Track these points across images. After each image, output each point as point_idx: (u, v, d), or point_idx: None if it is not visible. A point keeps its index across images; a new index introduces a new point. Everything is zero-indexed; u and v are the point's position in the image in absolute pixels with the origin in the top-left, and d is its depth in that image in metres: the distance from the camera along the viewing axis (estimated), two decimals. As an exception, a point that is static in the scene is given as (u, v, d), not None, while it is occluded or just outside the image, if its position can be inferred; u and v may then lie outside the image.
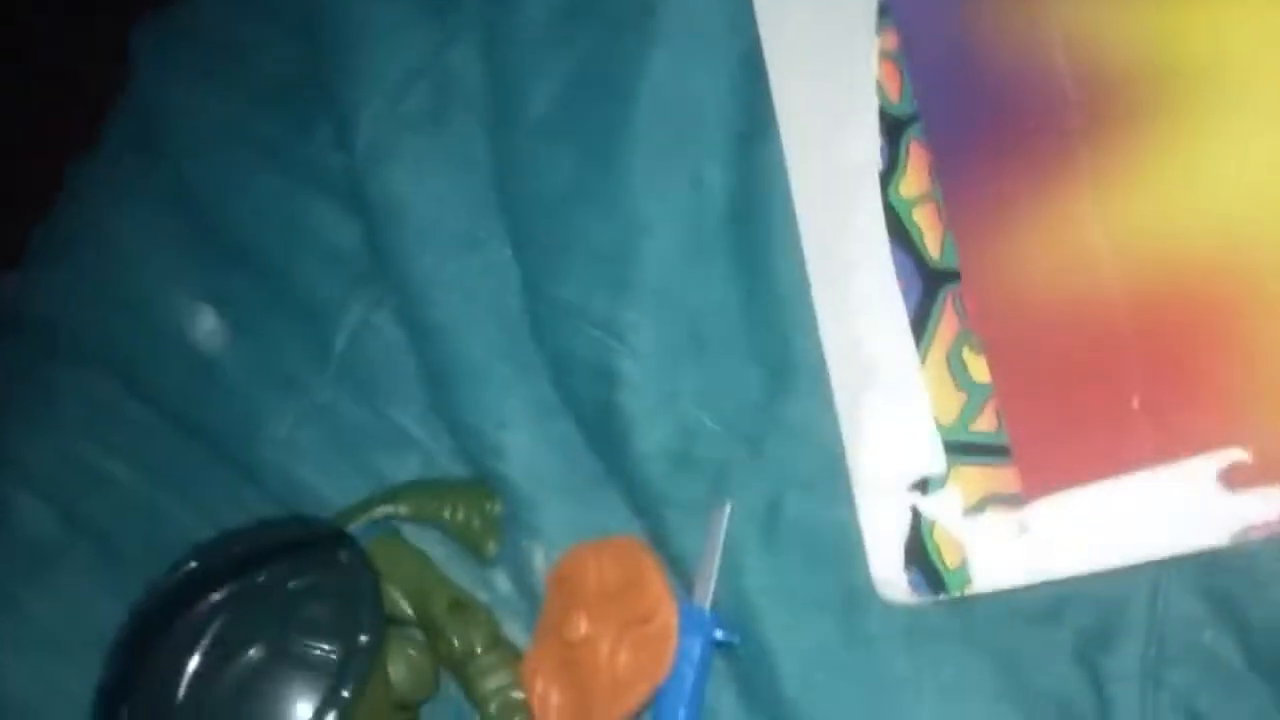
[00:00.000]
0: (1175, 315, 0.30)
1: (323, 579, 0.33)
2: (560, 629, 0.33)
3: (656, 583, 0.32)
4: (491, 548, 0.36)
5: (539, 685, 0.32)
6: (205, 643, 0.32)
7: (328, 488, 0.38)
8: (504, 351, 0.37)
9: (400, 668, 0.33)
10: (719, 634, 0.31)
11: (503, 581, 0.36)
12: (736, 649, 0.32)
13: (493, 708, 0.33)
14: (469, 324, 0.38)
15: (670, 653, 0.31)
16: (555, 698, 0.32)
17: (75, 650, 0.39)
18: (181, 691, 0.31)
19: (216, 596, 0.32)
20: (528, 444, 0.35)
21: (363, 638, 0.31)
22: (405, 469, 0.38)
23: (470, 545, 0.37)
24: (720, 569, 0.31)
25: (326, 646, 0.32)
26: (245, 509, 0.40)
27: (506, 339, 0.37)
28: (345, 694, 0.31)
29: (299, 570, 0.33)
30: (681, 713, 0.31)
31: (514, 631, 0.35)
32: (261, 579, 0.33)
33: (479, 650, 0.34)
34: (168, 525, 0.41)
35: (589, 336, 0.35)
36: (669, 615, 0.31)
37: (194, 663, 0.32)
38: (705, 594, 0.31)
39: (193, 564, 0.33)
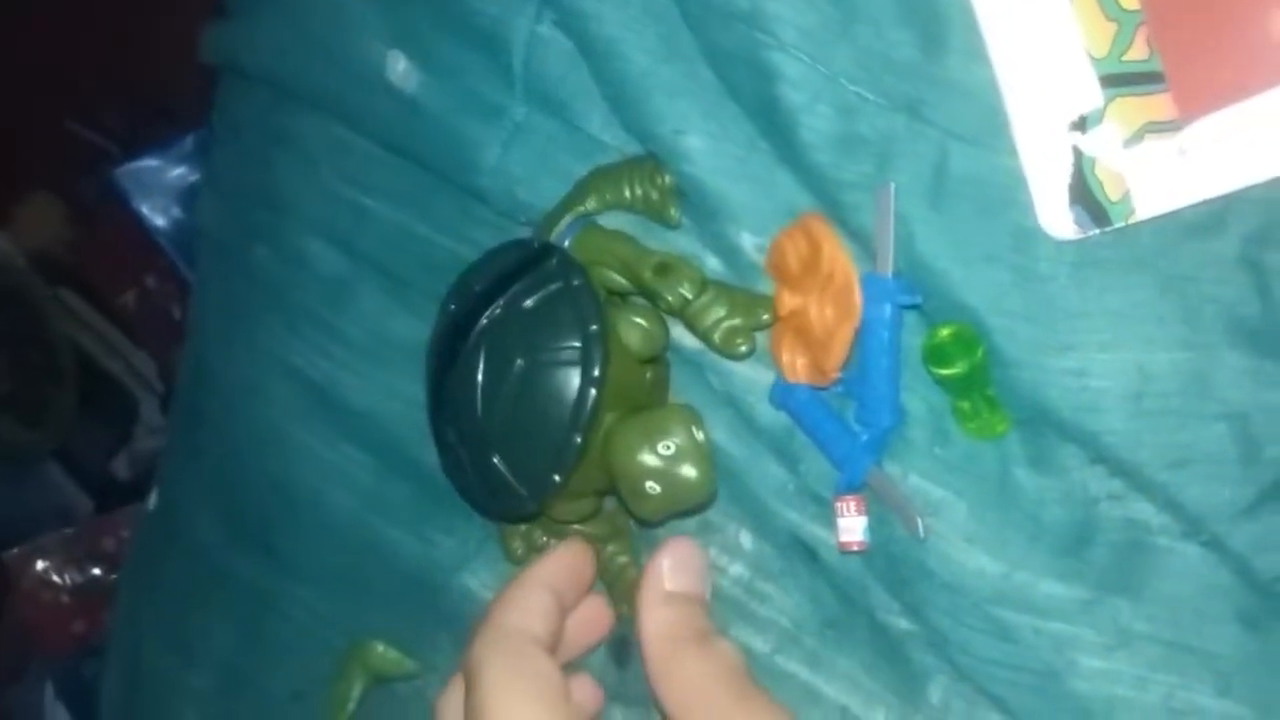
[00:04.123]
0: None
1: (545, 290, 0.39)
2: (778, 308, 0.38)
3: (830, 245, 0.36)
4: (674, 213, 0.40)
5: (785, 356, 0.38)
6: (481, 365, 0.39)
7: (543, 201, 0.43)
8: (667, 53, 0.39)
9: (632, 333, 0.38)
10: (903, 298, 0.35)
11: (714, 264, 0.40)
12: (922, 308, 0.36)
13: (716, 338, 0.39)
14: (628, 28, 0.40)
15: (857, 298, 0.35)
16: (799, 363, 0.38)
17: (387, 358, 0.49)
18: (479, 405, 0.39)
19: (476, 330, 0.39)
20: (707, 144, 0.38)
21: (593, 326, 0.37)
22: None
23: (654, 216, 0.41)
24: (895, 239, 0.35)
25: (568, 343, 0.38)
26: (484, 225, 0.46)
27: (667, 40, 0.39)
28: (596, 372, 0.37)
29: (526, 290, 0.39)
30: (884, 363, 0.36)
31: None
32: (501, 309, 0.39)
33: (690, 297, 0.38)
34: (427, 247, 0.48)
35: (738, 32, 0.37)
36: (846, 269, 0.35)
37: (479, 384, 0.39)
38: (886, 265, 0.35)
39: (451, 307, 0.40)
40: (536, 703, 0.32)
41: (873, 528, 0.37)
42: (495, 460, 0.38)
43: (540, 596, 0.35)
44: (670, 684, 0.33)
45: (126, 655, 0.58)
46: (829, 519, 0.38)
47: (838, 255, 0.36)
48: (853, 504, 0.37)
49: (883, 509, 0.37)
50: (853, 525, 0.37)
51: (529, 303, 0.39)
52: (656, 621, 0.34)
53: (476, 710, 0.32)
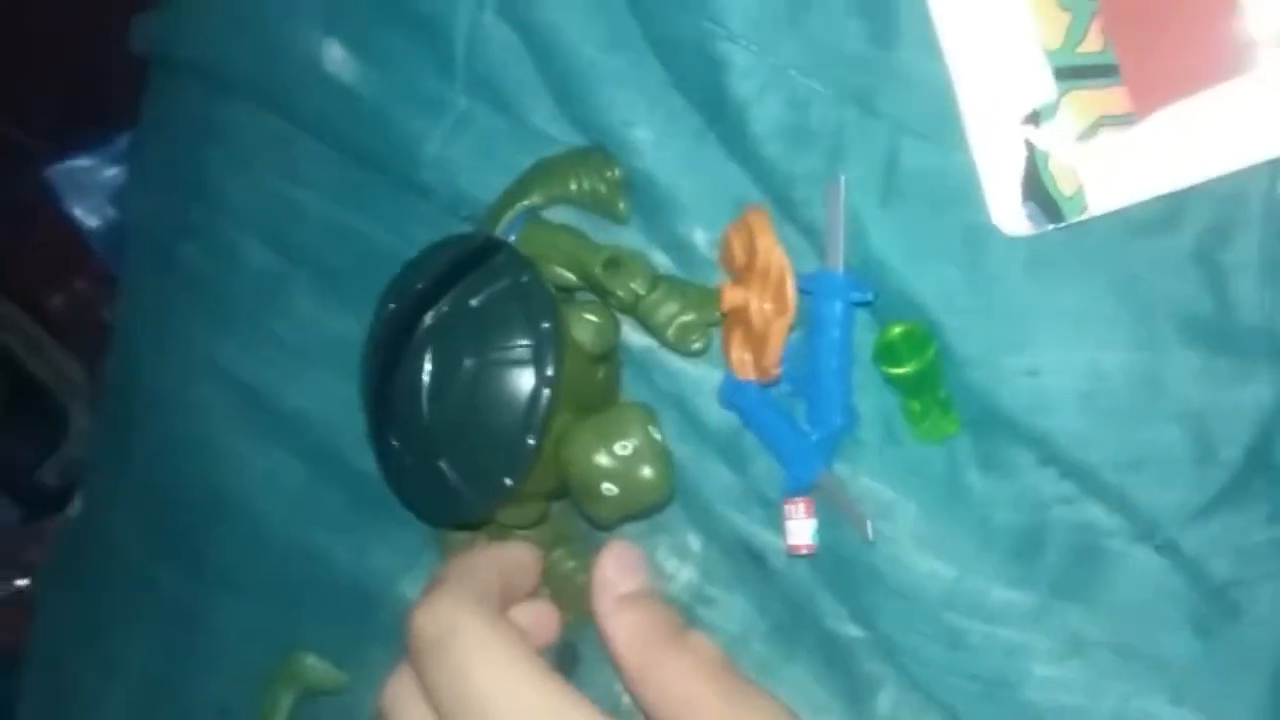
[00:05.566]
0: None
1: (493, 288, 0.37)
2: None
3: (765, 238, 0.35)
4: (622, 208, 0.39)
5: (734, 353, 0.37)
6: (428, 368, 0.38)
7: (487, 195, 0.41)
8: (613, 43, 0.38)
9: (584, 330, 0.37)
10: (854, 295, 0.34)
11: (664, 259, 0.39)
12: (873, 305, 0.35)
13: (669, 334, 0.38)
14: (573, 18, 0.38)
15: (791, 292, 0.34)
16: (748, 360, 0.37)
17: (322, 358, 0.47)
18: (425, 408, 0.37)
19: (421, 329, 0.38)
20: (655, 137, 0.37)
21: (544, 324, 0.36)
22: (550, 169, 0.41)
23: (602, 210, 0.40)
24: (846, 235, 0.34)
25: (520, 342, 0.36)
26: (423, 220, 0.44)
27: (614, 30, 0.38)
28: (549, 371, 0.36)
29: (472, 289, 0.37)
30: (834, 362, 0.35)
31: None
32: (447, 307, 0.37)
33: (642, 293, 0.38)
34: (363, 242, 0.46)
35: (685, 21, 0.36)
36: (780, 262, 0.35)
37: (425, 385, 0.38)
38: (836, 261, 0.34)
39: (391, 305, 0.39)
40: (525, 664, 0.30)
41: (822, 530, 0.36)
42: (442, 465, 0.37)
43: (491, 573, 0.34)
44: (652, 689, 0.31)
45: (46, 668, 0.56)
46: (777, 523, 0.37)
47: (773, 248, 0.35)
48: (802, 506, 0.36)
49: (832, 512, 0.36)
50: (801, 528, 0.36)
51: (476, 300, 0.37)
52: (624, 627, 0.32)
53: (458, 679, 0.30)
